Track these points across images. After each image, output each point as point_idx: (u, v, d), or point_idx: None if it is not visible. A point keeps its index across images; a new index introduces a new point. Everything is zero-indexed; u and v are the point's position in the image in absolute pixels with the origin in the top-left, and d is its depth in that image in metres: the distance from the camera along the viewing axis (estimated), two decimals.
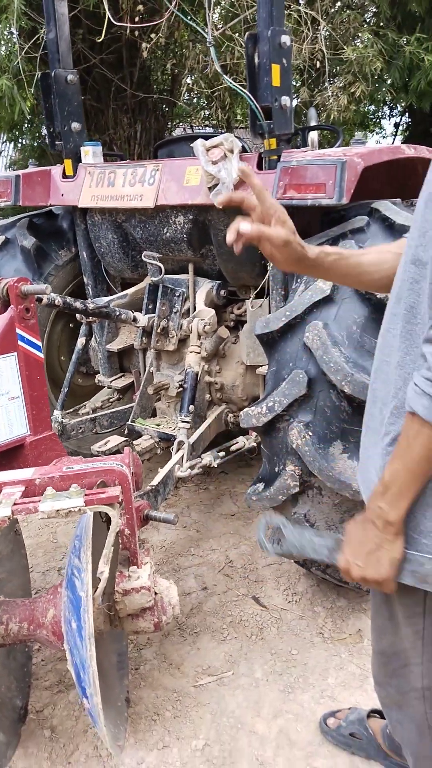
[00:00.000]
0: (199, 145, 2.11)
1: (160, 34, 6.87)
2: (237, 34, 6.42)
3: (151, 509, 1.83)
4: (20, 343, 1.95)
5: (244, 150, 2.23)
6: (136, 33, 6.32)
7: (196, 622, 2.31)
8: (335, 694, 1.98)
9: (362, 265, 1.18)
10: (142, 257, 2.62)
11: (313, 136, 3.04)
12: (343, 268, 1.17)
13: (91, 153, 2.61)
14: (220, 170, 2.11)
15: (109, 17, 2.77)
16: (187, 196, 2.30)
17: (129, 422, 2.74)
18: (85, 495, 1.51)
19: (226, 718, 1.91)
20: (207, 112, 9.72)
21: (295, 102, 7.70)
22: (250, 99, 2.06)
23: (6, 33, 7.10)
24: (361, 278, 1.19)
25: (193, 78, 8.52)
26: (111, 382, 3.07)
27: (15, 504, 1.48)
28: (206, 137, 2.18)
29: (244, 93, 2.06)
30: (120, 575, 1.70)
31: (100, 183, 2.53)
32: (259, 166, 2.15)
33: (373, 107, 8.62)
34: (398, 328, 0.99)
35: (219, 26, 6.63)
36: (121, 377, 3.11)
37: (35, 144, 9.57)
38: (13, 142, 10.33)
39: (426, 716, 1.20)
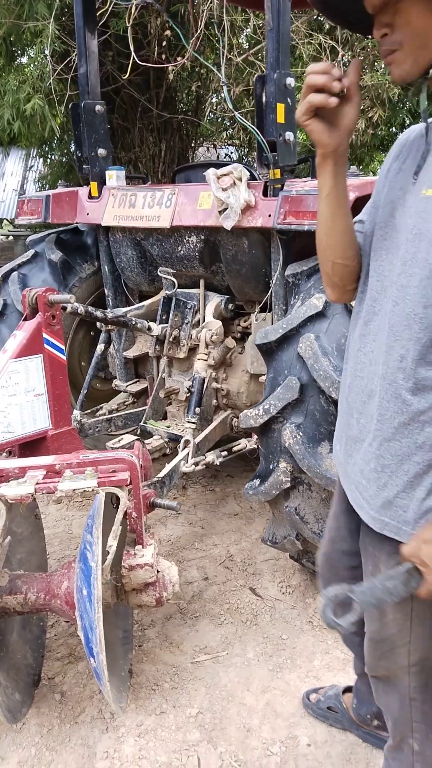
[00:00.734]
0: (210, 173, 2.35)
1: (185, 59, 7.19)
2: (260, 56, 6.69)
3: (157, 497, 2.04)
4: (46, 346, 2.20)
5: (252, 178, 2.47)
6: (163, 56, 6.61)
7: (197, 607, 2.51)
8: (320, 674, 2.17)
9: (350, 236, 1.23)
10: (158, 272, 2.86)
11: None
12: (341, 220, 1.19)
13: (115, 176, 2.87)
14: (230, 196, 2.34)
15: (134, 58, 3.04)
16: (199, 218, 2.54)
17: (141, 423, 2.97)
18: (99, 477, 1.73)
19: (219, 691, 2.10)
20: (230, 132, 10.03)
21: None
22: (258, 134, 2.29)
23: (40, 56, 7.47)
24: (343, 241, 1.22)
25: (216, 99, 8.82)
26: (126, 386, 3.30)
27: (38, 483, 1.70)
28: (218, 166, 2.42)
29: (252, 128, 2.29)
30: (127, 554, 1.91)
31: (122, 204, 2.78)
32: (265, 194, 2.38)
33: (394, 129, 8.86)
34: (372, 347, 1.15)
35: (245, 49, 6.92)
36: (135, 382, 3.34)
37: (63, 160, 9.94)
38: (42, 158, 10.72)
39: (409, 689, 1.33)
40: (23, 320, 2.17)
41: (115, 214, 2.81)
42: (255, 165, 2.54)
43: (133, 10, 3.18)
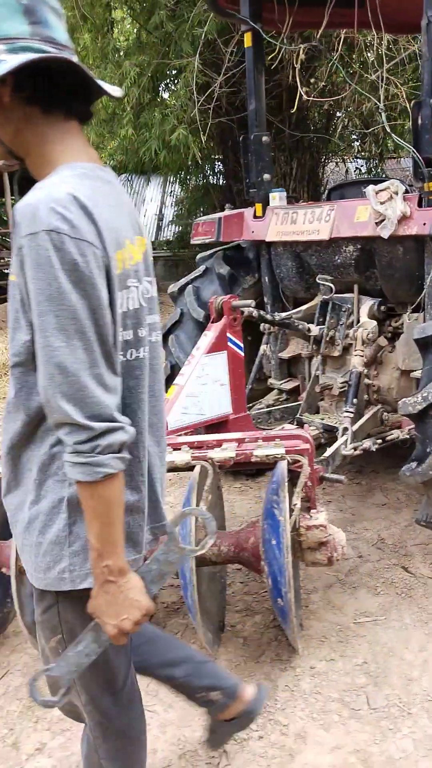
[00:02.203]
0: (370, 189, 2.67)
1: (318, 79, 7.50)
2: (396, 71, 6.84)
3: (324, 472, 2.36)
4: (229, 344, 2.61)
5: (406, 191, 2.74)
6: (297, 79, 6.95)
7: (354, 579, 2.78)
8: None
9: None
10: (316, 280, 3.20)
11: None
12: None
13: (278, 197, 3.26)
14: (387, 209, 2.63)
15: (300, 92, 3.42)
16: (357, 229, 2.85)
17: (297, 416, 3.31)
18: (285, 447, 2.09)
19: (380, 647, 2.36)
20: (358, 144, 10.20)
21: None
22: (414, 152, 2.57)
23: (184, 89, 8.18)
24: None
25: (347, 114, 9.04)
26: (281, 384, 3.66)
27: (237, 449, 2.09)
28: (375, 183, 2.72)
29: (409, 147, 2.58)
30: (303, 517, 2.24)
31: (285, 221, 3.16)
32: (420, 205, 2.65)
33: None
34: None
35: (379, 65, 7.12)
36: (288, 381, 3.69)
37: (201, 183, 10.61)
38: (180, 184, 11.50)
39: (90, 727, 1.38)
40: (211, 322, 2.60)
41: (278, 230, 3.19)
42: (404, 179, 2.82)
43: (300, 53, 3.57)
